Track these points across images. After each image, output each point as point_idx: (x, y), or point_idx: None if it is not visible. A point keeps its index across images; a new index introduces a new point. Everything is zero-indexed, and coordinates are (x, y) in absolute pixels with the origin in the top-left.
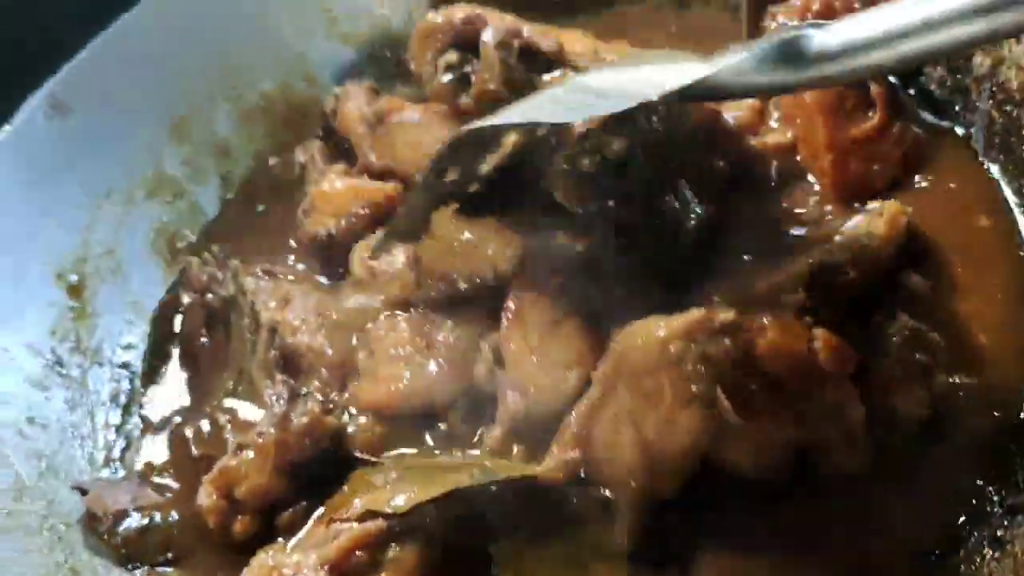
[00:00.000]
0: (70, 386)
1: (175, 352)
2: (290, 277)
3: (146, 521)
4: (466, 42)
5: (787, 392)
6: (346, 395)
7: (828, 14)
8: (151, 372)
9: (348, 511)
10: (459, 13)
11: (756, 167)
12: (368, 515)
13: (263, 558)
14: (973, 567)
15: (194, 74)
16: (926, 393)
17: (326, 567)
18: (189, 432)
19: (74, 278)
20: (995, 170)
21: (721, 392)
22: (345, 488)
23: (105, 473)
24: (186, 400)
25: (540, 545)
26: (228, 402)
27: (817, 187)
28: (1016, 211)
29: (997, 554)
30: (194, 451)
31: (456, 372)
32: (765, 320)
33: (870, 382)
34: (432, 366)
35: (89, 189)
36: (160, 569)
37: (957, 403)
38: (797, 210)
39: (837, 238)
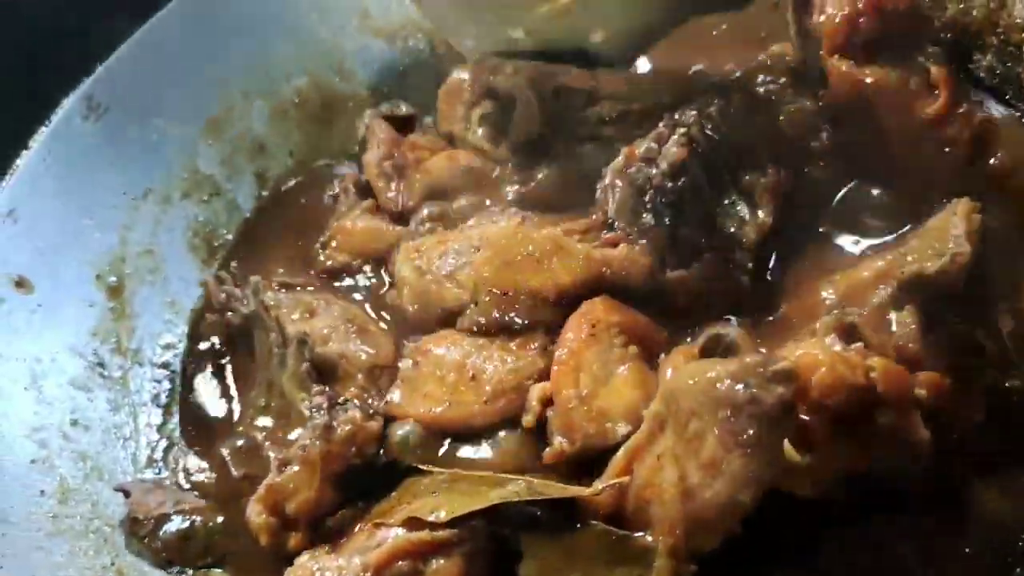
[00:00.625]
0: (112, 387)
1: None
2: (309, 288)
3: (187, 525)
4: (494, 93)
5: (847, 423)
6: (386, 400)
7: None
8: (189, 381)
9: (392, 517)
10: (486, 64)
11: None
12: (410, 522)
13: (305, 560)
14: None
15: (227, 72)
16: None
17: (368, 573)
18: (226, 452)
19: (113, 279)
20: None
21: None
22: (393, 495)
23: (149, 473)
24: (219, 419)
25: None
26: (261, 419)
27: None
28: None
29: None
30: (234, 472)
31: (498, 409)
32: (819, 355)
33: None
34: (473, 399)
35: (126, 189)
36: (203, 570)
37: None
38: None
39: (917, 243)
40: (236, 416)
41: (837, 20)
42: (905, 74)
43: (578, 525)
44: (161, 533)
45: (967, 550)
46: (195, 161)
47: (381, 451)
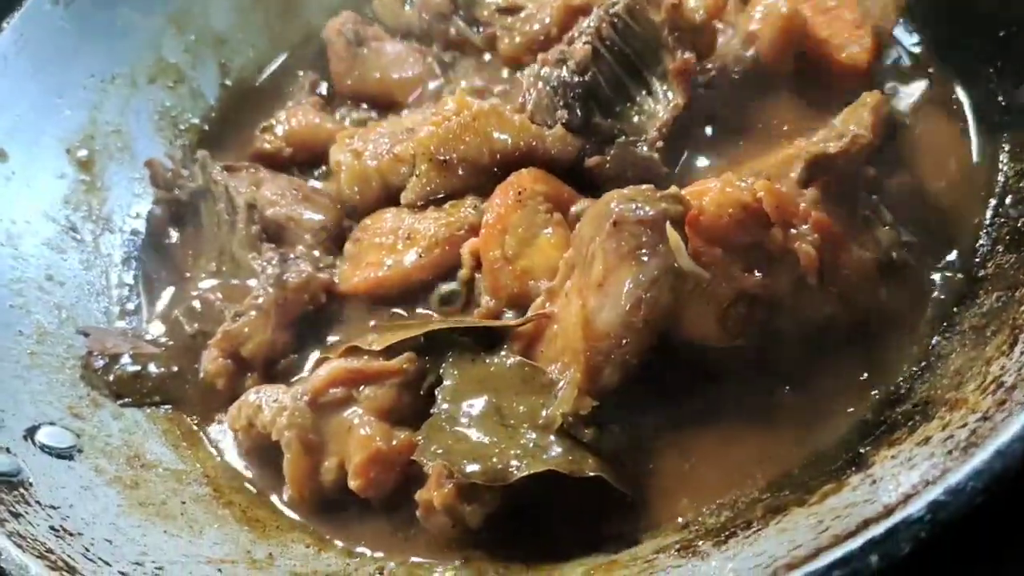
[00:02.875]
0: (84, 249)
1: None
2: (251, 168)
3: (139, 368)
4: None
5: (737, 245)
6: (333, 273)
7: None
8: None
9: (334, 352)
10: None
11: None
12: (348, 351)
13: (250, 393)
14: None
15: None
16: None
17: (306, 397)
18: (179, 311)
19: (84, 153)
20: None
21: (675, 233)
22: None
23: (121, 324)
24: (173, 284)
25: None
26: (213, 281)
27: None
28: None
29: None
30: (188, 329)
31: (433, 260)
32: (710, 183)
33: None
34: (412, 255)
35: (95, 72)
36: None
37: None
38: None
39: (826, 133)
40: (185, 285)
41: None
42: None
43: (496, 358)
44: (115, 369)
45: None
46: (160, 50)
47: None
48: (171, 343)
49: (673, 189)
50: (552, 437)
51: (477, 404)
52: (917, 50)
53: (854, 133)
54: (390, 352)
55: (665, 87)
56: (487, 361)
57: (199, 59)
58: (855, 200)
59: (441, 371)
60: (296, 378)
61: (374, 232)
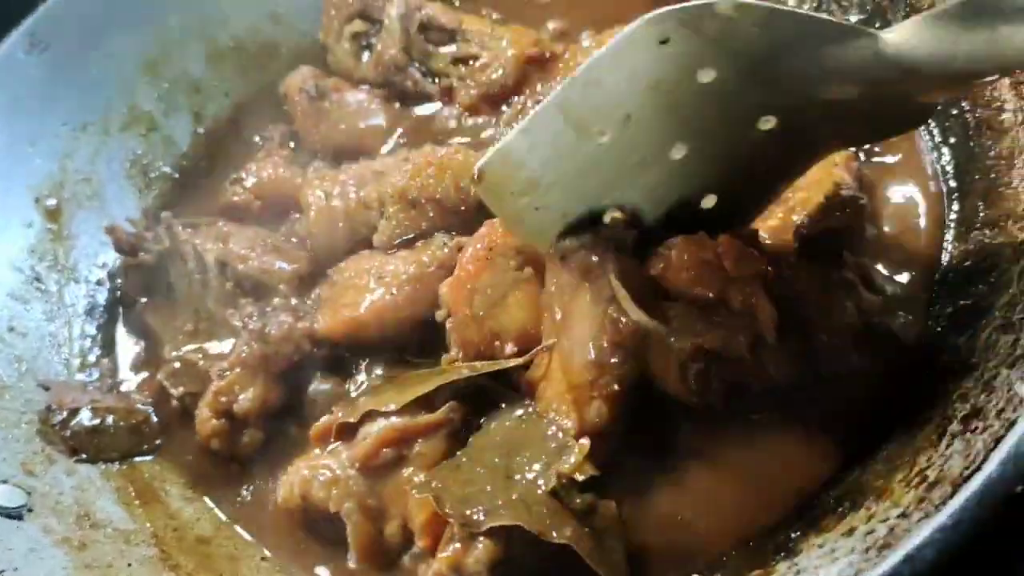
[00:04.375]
0: (48, 299)
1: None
2: (217, 224)
3: (97, 421)
4: (372, 15)
5: (698, 300)
6: (312, 323)
7: None
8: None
9: (352, 416)
10: None
11: None
12: (368, 416)
13: (298, 465)
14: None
15: (167, 14)
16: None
17: (356, 464)
18: (162, 375)
19: (52, 202)
20: None
21: (617, 283)
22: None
23: (81, 376)
24: (149, 357)
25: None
26: (192, 343)
27: None
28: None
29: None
30: (174, 392)
31: (406, 297)
32: (673, 239)
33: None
34: (384, 294)
35: (67, 121)
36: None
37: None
38: None
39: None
40: (164, 349)
41: None
42: None
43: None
44: (72, 424)
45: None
46: (134, 97)
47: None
48: (160, 416)
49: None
50: (540, 495)
51: (493, 453)
52: None
53: (850, 196)
54: (426, 404)
55: None
56: (516, 412)
57: (172, 107)
58: (839, 262)
59: (483, 420)
60: (334, 444)
61: (349, 275)
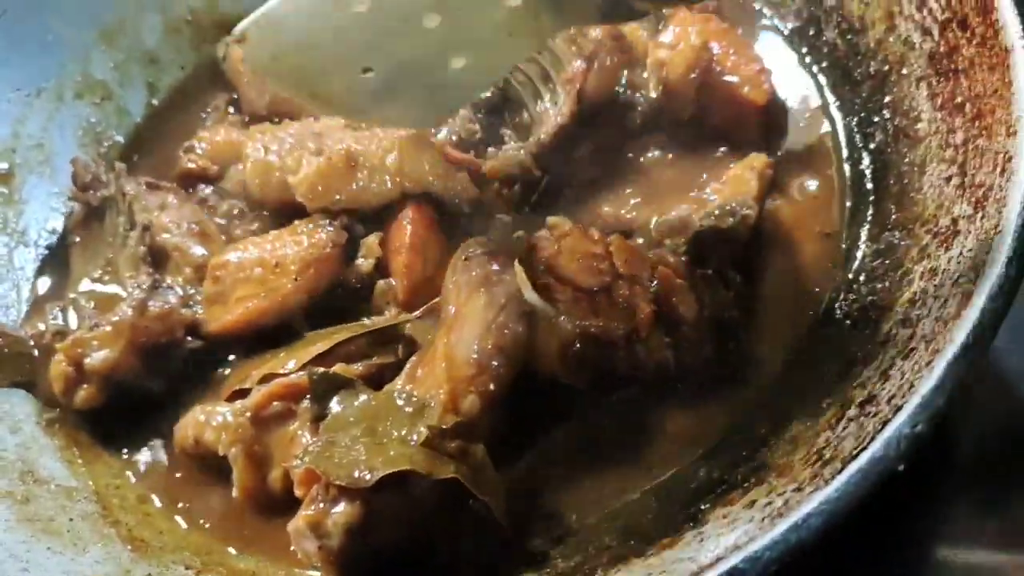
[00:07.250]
0: None
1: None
2: (171, 190)
3: None
4: None
5: (586, 288)
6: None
7: None
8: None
9: (248, 382)
10: None
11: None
12: (269, 378)
13: (195, 410)
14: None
15: None
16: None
17: (248, 414)
18: (48, 306)
19: (4, 166)
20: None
21: (520, 268)
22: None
23: None
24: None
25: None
26: (89, 286)
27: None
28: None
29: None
30: (42, 327)
31: (310, 287)
32: (567, 227)
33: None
34: (285, 281)
35: (20, 86)
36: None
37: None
38: None
39: (713, 205)
40: (68, 285)
41: None
42: None
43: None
44: None
45: None
46: (89, 65)
47: (188, 337)
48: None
49: (521, 232)
50: (414, 448)
51: (354, 429)
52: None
53: (743, 214)
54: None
55: (562, 95)
56: (361, 397)
57: (128, 77)
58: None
59: (329, 407)
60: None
61: (236, 269)
